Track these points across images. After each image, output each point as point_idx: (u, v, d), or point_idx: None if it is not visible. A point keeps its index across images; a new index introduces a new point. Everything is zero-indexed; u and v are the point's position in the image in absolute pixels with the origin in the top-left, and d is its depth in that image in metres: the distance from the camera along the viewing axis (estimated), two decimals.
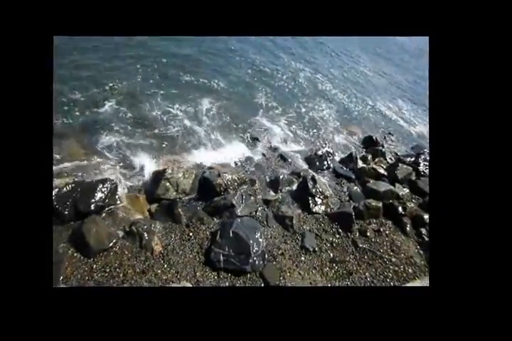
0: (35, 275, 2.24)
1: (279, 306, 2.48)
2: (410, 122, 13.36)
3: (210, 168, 7.34)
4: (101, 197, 5.74)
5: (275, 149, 8.97)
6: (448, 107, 2.64)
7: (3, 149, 2.29)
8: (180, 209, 6.09)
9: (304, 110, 11.33)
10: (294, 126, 10.19)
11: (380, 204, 7.28)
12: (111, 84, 8.95)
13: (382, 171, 8.74)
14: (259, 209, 6.71)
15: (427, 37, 2.93)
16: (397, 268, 6.10)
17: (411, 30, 3.03)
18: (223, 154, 8.13)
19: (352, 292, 2.96)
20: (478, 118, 2.54)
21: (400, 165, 8.97)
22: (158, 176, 6.55)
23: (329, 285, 5.51)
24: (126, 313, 2.32)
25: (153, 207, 6.20)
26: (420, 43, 24.79)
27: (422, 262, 6.36)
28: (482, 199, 2.46)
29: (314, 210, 7.00)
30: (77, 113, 7.65)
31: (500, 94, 2.51)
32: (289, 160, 8.67)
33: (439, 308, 2.33)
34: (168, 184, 6.46)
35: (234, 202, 6.37)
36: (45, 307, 2.18)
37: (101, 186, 5.84)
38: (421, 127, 13.16)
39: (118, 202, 5.91)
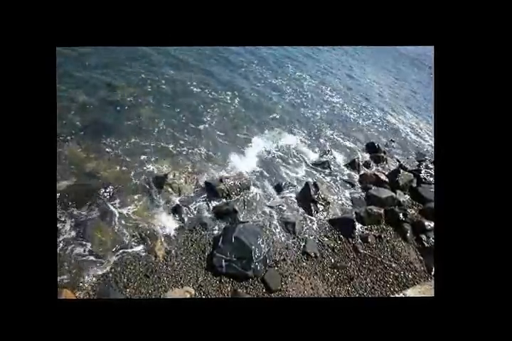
0: (40, 288, 2.26)
1: (281, 318, 2.46)
2: (412, 129, 13.44)
3: (213, 173, 7.44)
4: (104, 201, 5.86)
5: (278, 155, 9.05)
6: (453, 115, 2.66)
7: (7, 157, 2.37)
8: (182, 215, 6.19)
9: (307, 116, 11.47)
10: (298, 132, 10.29)
11: (381, 211, 7.35)
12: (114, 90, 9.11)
13: (383, 177, 8.80)
14: (261, 214, 6.79)
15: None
16: (397, 274, 6.15)
17: (416, 40, 3.03)
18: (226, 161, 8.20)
19: (355, 303, 2.91)
20: (483, 127, 2.56)
21: (401, 171, 9.03)
22: (160, 181, 6.64)
23: (330, 290, 5.56)
24: (132, 326, 2.35)
25: (156, 212, 6.29)
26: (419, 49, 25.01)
27: (422, 268, 6.40)
28: (488, 209, 2.44)
29: (316, 216, 7.08)
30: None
31: (505, 103, 2.54)
32: (292, 166, 8.76)
33: (444, 319, 2.32)
34: (170, 189, 6.55)
35: (236, 208, 6.46)
36: (49, 320, 2.21)
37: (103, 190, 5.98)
38: (423, 134, 13.23)
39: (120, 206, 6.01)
